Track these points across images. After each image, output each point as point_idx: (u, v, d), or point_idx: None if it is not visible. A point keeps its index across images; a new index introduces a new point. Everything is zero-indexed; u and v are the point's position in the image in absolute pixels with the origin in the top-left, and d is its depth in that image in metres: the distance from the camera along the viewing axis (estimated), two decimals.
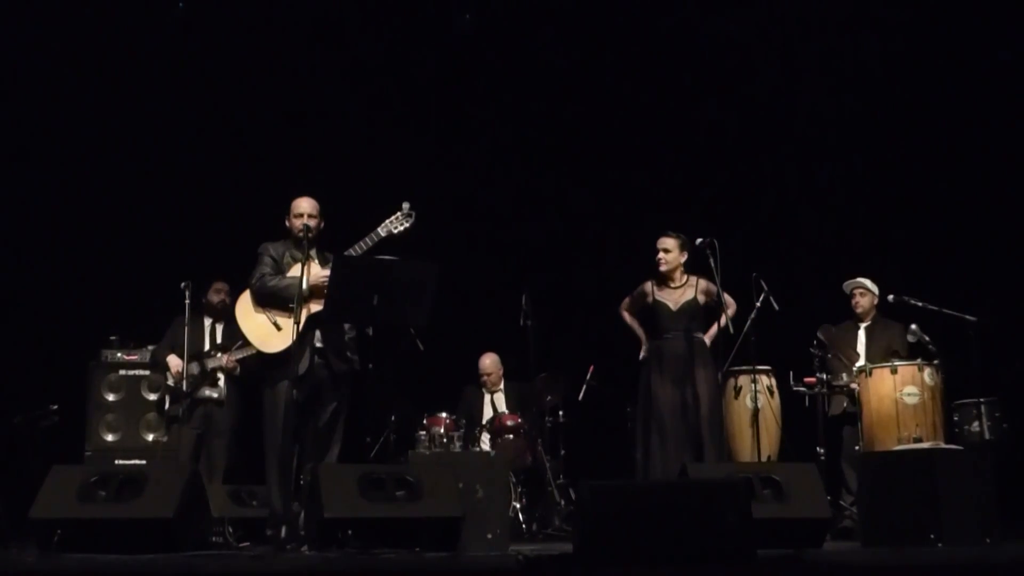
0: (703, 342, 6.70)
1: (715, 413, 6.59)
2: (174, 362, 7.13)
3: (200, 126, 8.71)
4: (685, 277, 6.81)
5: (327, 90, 9.10)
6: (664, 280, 6.81)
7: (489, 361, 8.27)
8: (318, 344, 5.80)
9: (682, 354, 6.64)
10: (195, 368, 7.12)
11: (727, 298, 6.69)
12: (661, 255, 6.78)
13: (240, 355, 7.00)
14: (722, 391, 6.83)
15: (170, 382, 7.15)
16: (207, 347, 7.30)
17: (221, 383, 7.19)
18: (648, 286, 6.83)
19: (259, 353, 5.89)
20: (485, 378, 8.27)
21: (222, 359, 7.13)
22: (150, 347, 7.65)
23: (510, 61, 9.30)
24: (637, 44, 9.22)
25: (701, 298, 6.72)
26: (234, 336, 6.86)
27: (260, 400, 5.89)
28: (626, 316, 6.97)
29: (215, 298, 7.38)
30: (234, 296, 6.25)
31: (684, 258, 6.79)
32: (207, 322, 7.39)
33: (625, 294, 7.03)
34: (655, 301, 6.76)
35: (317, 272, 5.74)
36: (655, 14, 9.12)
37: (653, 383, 6.65)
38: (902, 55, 8.94)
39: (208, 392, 7.18)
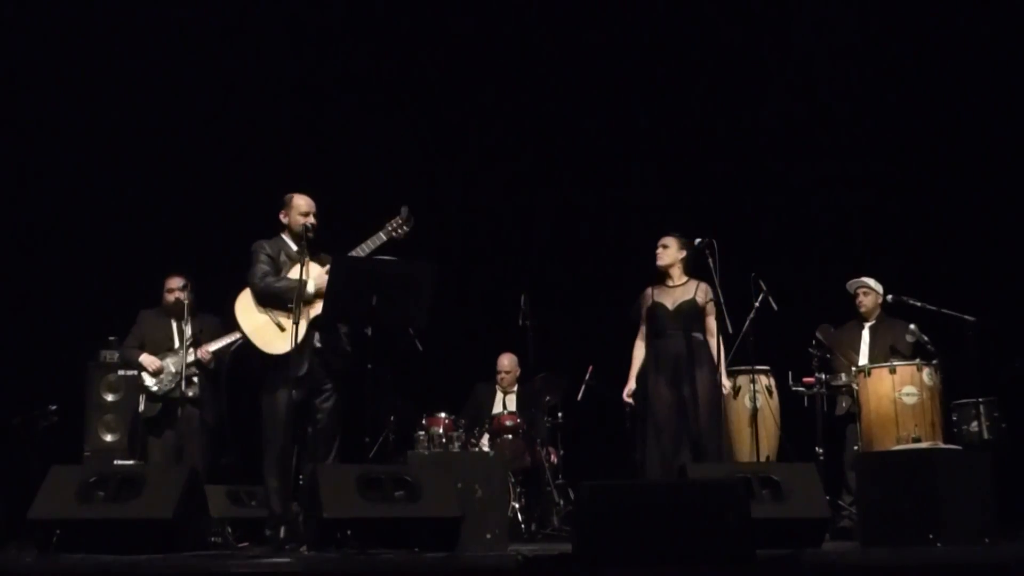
0: (702, 342, 6.63)
1: (714, 413, 6.53)
2: (149, 360, 6.96)
3: (199, 126, 8.69)
4: (684, 278, 6.77)
5: (325, 89, 9.08)
6: (662, 279, 6.77)
7: (508, 360, 8.29)
8: (317, 345, 5.82)
9: (680, 354, 6.58)
10: (170, 367, 6.95)
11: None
12: (659, 250, 6.76)
13: (214, 347, 6.90)
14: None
15: (148, 382, 6.97)
16: (176, 345, 7.09)
17: (196, 380, 6.97)
18: (647, 291, 6.78)
19: (260, 354, 5.86)
20: (503, 376, 8.27)
21: (196, 353, 6.93)
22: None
23: (510, 61, 9.29)
24: (636, 44, 9.21)
25: (700, 298, 6.66)
26: (206, 330, 6.84)
27: (258, 401, 5.88)
28: (635, 351, 6.84)
29: (170, 297, 7.16)
30: (232, 295, 6.16)
31: (682, 255, 6.74)
32: (173, 322, 7.17)
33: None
34: (653, 303, 6.71)
35: (320, 273, 5.74)
36: (655, 14, 9.11)
37: (650, 383, 6.62)
38: (903, 55, 8.94)
39: (184, 390, 6.95)
